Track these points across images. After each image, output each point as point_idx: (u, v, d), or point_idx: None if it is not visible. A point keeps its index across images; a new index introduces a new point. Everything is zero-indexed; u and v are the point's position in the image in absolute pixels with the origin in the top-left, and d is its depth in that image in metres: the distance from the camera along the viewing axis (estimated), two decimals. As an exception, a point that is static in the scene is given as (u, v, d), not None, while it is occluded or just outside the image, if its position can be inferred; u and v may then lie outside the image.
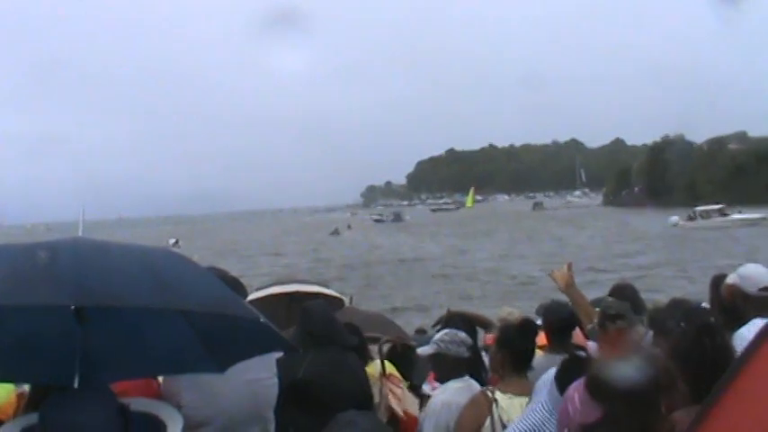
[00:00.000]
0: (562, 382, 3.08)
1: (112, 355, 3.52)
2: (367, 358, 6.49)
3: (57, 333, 3.39)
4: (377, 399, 6.10)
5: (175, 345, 3.71)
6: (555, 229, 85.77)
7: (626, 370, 2.11)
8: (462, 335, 5.68)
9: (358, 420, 2.59)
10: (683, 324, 5.75)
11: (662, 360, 2.48)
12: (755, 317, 6.03)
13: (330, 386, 5.23)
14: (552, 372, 3.84)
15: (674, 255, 51.70)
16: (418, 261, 56.28)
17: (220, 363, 3.83)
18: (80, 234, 7.31)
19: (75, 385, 3.19)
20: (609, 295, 7.52)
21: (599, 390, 2.13)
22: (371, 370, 6.36)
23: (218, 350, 3.74)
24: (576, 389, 2.16)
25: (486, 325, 7.97)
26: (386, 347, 6.84)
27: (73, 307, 3.04)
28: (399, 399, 6.18)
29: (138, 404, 3.21)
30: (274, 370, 4.97)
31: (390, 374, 6.39)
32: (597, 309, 6.87)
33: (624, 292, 7.46)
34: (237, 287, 5.24)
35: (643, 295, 8.20)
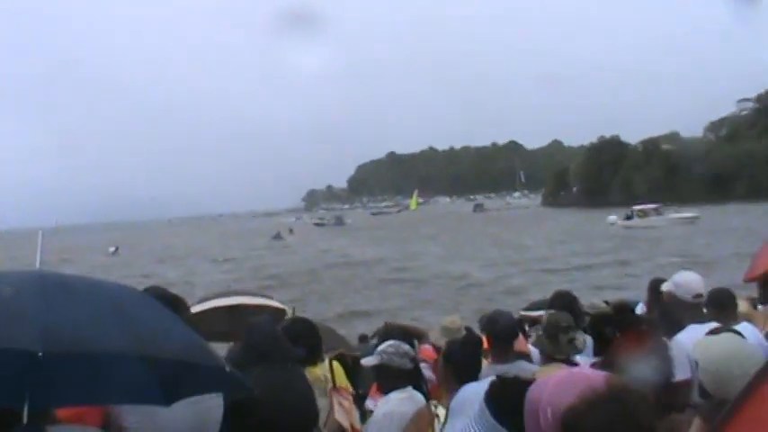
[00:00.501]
0: (494, 405, 2.99)
1: (63, 382, 3.38)
2: (318, 360, 6.53)
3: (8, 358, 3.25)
4: (325, 409, 6.18)
5: (126, 376, 3.63)
6: (498, 231, 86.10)
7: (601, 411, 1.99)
8: (406, 347, 5.72)
9: None
10: (617, 334, 5.96)
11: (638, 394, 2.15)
12: (691, 323, 6.25)
13: (276, 404, 5.24)
14: (468, 392, 3.92)
15: (618, 254, 52.12)
16: (363, 266, 55.73)
17: (169, 396, 3.77)
18: (38, 265, 7.15)
19: (25, 409, 3.11)
20: (550, 304, 7.68)
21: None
22: (320, 371, 6.42)
23: (170, 384, 3.70)
24: (549, 402, 2.04)
25: (420, 336, 8.05)
26: (334, 359, 6.89)
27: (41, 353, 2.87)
28: (347, 411, 6.21)
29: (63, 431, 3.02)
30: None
31: (339, 387, 6.43)
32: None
33: (564, 300, 7.63)
34: (179, 305, 5.23)
35: (589, 294, 8.44)
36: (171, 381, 3.66)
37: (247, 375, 5.16)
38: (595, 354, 6.20)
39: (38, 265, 7.19)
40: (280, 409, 5.27)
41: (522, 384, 3.30)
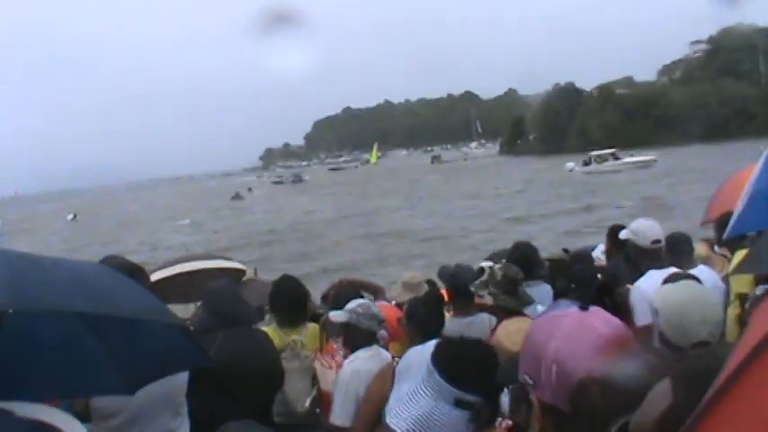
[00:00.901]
0: (441, 364, 2.97)
1: (19, 374, 3.36)
2: (300, 323, 6.55)
3: None
4: (294, 371, 6.22)
5: (85, 366, 3.66)
6: (458, 182, 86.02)
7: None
8: (375, 309, 5.75)
9: None
10: (573, 286, 6.03)
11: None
12: (651, 268, 6.34)
13: (241, 367, 5.27)
14: (413, 354, 3.91)
15: (578, 200, 52.39)
16: (325, 223, 55.17)
17: (131, 384, 3.77)
18: None
19: None
20: (510, 254, 7.72)
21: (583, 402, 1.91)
22: (296, 335, 6.48)
23: (130, 370, 3.70)
24: (555, 359, 1.93)
25: (377, 292, 8.09)
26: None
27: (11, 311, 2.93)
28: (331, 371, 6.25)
29: (25, 409, 2.87)
30: None
31: (326, 347, 6.47)
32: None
33: (524, 251, 7.67)
34: (138, 273, 5.27)
35: (553, 242, 8.49)
36: (126, 363, 3.65)
37: (210, 339, 5.18)
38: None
39: None
40: (244, 372, 5.31)
41: (470, 344, 3.35)
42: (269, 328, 6.43)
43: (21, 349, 3.37)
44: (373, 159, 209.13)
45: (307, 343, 6.44)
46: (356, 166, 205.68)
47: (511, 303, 5.88)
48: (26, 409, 2.84)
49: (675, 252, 6.67)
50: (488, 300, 6.11)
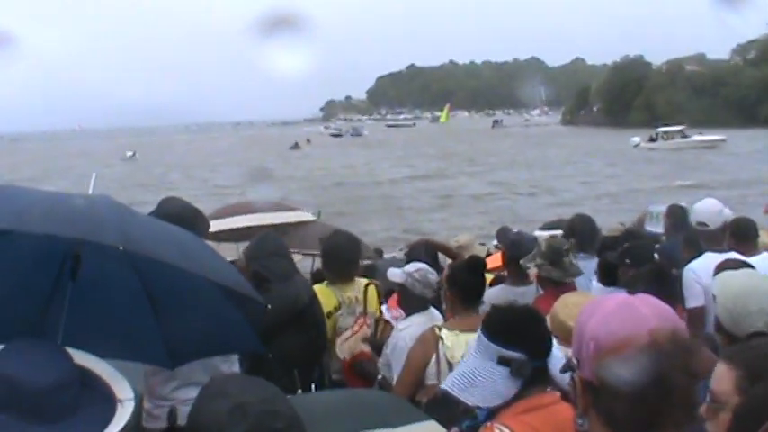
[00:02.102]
0: (486, 326, 3.20)
1: (83, 325, 3.38)
2: (351, 279, 6.55)
3: (41, 287, 3.41)
4: (348, 328, 6.26)
5: (136, 332, 3.72)
6: (520, 149, 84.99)
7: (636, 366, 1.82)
8: (432, 276, 5.71)
9: (230, 389, 2.19)
10: (627, 261, 5.96)
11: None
12: (708, 251, 6.25)
13: (282, 318, 5.28)
14: None
15: (645, 175, 51.52)
16: (382, 184, 54.22)
17: (174, 359, 3.86)
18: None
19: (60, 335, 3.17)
20: (568, 226, 7.66)
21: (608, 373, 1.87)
22: (351, 293, 6.49)
23: (176, 345, 3.76)
24: (593, 335, 1.91)
25: (454, 258, 8.02)
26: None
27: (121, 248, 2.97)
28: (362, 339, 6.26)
29: (80, 357, 2.95)
30: None
31: (369, 312, 6.46)
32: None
33: (582, 223, 7.59)
34: (197, 217, 5.29)
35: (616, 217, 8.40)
36: (175, 339, 3.72)
37: (291, 286, 5.24)
38: (600, 278, 6.23)
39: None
40: (286, 321, 5.34)
41: (515, 308, 3.41)
42: (320, 286, 6.40)
43: (86, 301, 3.42)
44: (444, 119, 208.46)
45: (362, 299, 6.41)
46: (413, 124, 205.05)
47: (555, 274, 5.83)
48: (82, 357, 2.93)
49: (739, 237, 6.56)
50: (534, 271, 6.06)
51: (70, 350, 2.88)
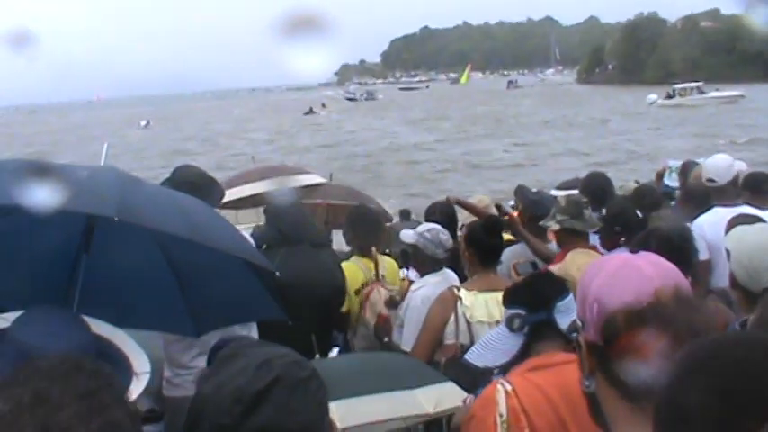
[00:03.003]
0: (507, 298, 3.31)
1: (101, 296, 3.42)
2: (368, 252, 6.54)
3: (60, 258, 3.42)
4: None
5: (160, 302, 3.74)
6: (537, 110, 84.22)
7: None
8: (444, 236, 5.72)
9: (248, 351, 2.24)
10: (617, 229, 5.94)
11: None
12: (716, 205, 6.23)
13: (299, 285, 5.25)
14: None
15: (663, 133, 51.26)
16: (399, 150, 52.84)
17: (199, 327, 3.85)
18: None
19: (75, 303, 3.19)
20: (583, 184, 7.63)
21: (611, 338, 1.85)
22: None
23: (201, 314, 3.77)
24: (597, 296, 1.90)
25: (482, 216, 7.98)
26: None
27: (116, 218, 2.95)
28: (377, 303, 6.26)
29: (100, 327, 2.99)
30: None
31: (381, 278, 6.47)
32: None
33: (597, 181, 7.56)
34: (211, 185, 5.31)
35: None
36: (198, 306, 3.73)
37: (272, 256, 5.22)
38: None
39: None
40: (306, 288, 5.34)
41: (528, 276, 3.48)
42: (347, 263, 6.36)
43: (103, 272, 3.43)
44: (464, 80, 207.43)
45: (387, 276, 6.42)
46: (427, 87, 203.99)
47: (578, 225, 5.82)
48: (100, 326, 2.96)
49: (753, 190, 6.54)
50: (555, 227, 6.03)
51: (88, 319, 2.90)
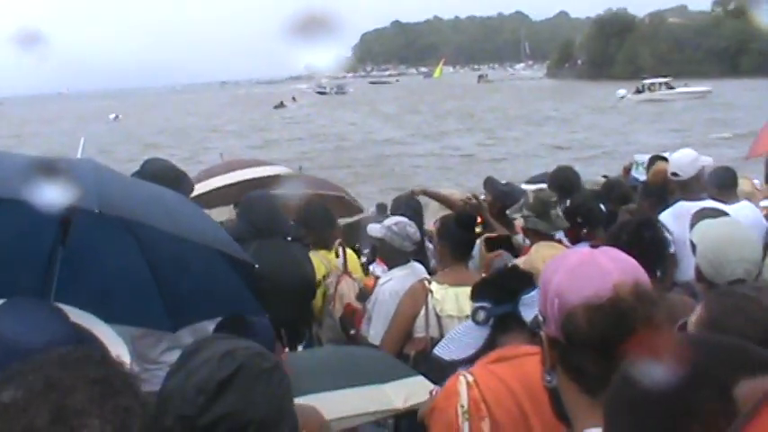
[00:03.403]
0: (474, 292, 3.34)
1: (76, 291, 3.34)
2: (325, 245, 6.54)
3: (36, 251, 3.38)
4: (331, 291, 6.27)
5: (136, 296, 3.70)
6: (509, 104, 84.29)
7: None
8: (411, 230, 5.76)
9: (215, 345, 2.24)
10: (579, 220, 5.99)
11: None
12: (681, 199, 6.30)
13: (272, 279, 5.24)
14: None
15: (635, 128, 51.41)
16: (385, 144, 52.38)
17: (175, 322, 3.83)
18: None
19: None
20: (551, 179, 7.66)
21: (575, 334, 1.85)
22: (332, 256, 6.55)
23: (177, 309, 3.74)
24: (557, 292, 1.89)
25: (452, 206, 7.97)
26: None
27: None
28: (347, 296, 6.27)
29: (76, 314, 2.88)
30: None
31: (349, 272, 6.47)
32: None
33: (565, 175, 7.60)
34: (181, 178, 5.27)
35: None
36: (175, 300, 3.69)
37: (244, 249, 5.20)
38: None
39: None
40: (274, 283, 5.33)
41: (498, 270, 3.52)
42: (313, 253, 6.36)
43: (79, 266, 3.41)
44: (437, 74, 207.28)
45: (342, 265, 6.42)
46: (397, 80, 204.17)
47: (541, 226, 5.82)
48: (80, 316, 2.87)
49: (719, 185, 6.62)
50: (521, 222, 6.07)
51: (66, 308, 2.87)
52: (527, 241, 6.22)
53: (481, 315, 3.18)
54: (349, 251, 6.76)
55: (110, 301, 3.63)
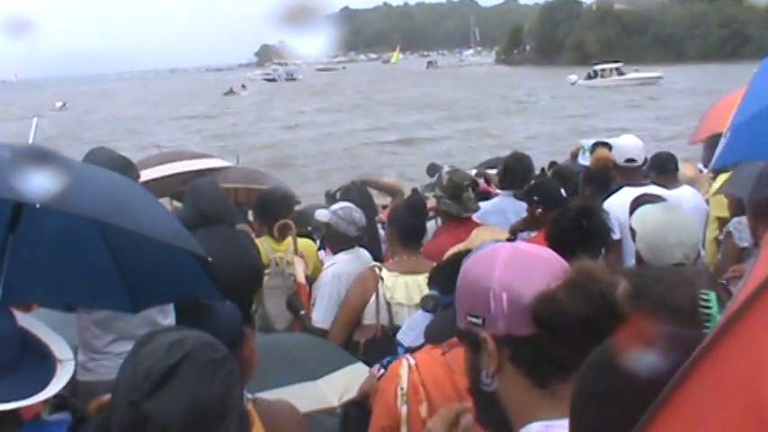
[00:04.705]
0: (429, 280, 3.45)
1: (30, 276, 3.35)
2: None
3: None
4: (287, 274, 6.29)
5: (95, 278, 3.65)
6: (458, 91, 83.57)
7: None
8: (357, 215, 5.79)
9: (167, 333, 2.30)
10: (535, 198, 6.08)
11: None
12: (626, 185, 6.40)
13: (219, 266, 5.23)
14: None
15: (588, 112, 51.90)
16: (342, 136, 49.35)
17: (136, 303, 3.76)
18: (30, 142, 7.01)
19: None
20: (503, 164, 7.70)
21: (546, 320, 1.78)
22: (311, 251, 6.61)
23: (137, 290, 3.69)
24: (504, 286, 1.84)
25: (394, 193, 7.98)
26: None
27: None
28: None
29: (20, 318, 2.83)
30: None
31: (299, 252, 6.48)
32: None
33: (515, 160, 7.65)
34: (128, 168, 5.17)
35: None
36: (135, 282, 3.66)
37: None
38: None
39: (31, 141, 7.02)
40: (221, 270, 5.31)
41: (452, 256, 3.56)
42: (259, 240, 6.38)
43: (32, 251, 3.37)
44: (394, 60, 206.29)
45: (292, 260, 6.37)
46: (344, 67, 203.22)
47: (453, 208, 5.87)
48: (18, 317, 2.82)
49: (659, 170, 6.72)
50: (432, 203, 6.08)
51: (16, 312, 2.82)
52: (439, 222, 6.31)
53: (430, 304, 3.24)
54: (307, 240, 6.76)
55: (67, 284, 3.64)
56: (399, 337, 3.44)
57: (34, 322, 2.89)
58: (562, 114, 52.48)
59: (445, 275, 3.24)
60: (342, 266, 5.62)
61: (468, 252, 2.34)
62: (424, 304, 3.28)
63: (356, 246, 5.87)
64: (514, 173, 7.11)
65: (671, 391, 1.14)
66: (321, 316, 5.52)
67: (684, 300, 2.21)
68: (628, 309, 1.73)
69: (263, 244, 6.32)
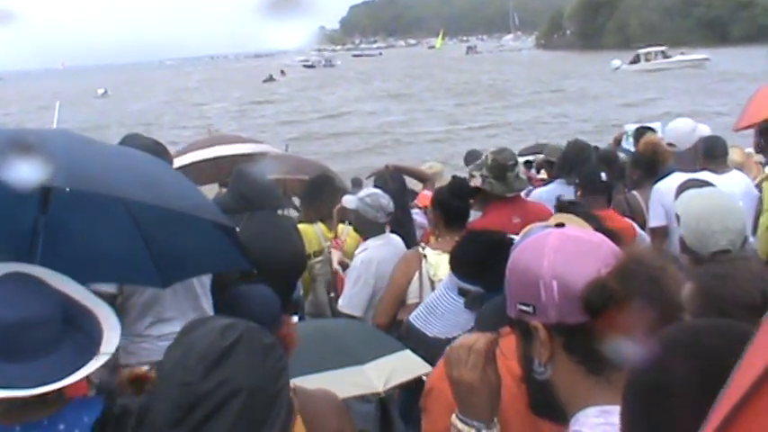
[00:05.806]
0: (453, 255, 3.31)
1: (63, 255, 3.28)
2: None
3: (20, 219, 3.34)
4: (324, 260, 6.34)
5: (124, 254, 3.69)
6: (497, 76, 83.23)
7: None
8: (384, 200, 5.83)
9: (212, 320, 2.39)
10: (577, 181, 6.05)
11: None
12: (677, 170, 6.31)
13: (263, 251, 5.22)
14: None
15: (637, 99, 50.51)
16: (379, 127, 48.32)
17: (165, 278, 3.81)
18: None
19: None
20: (566, 149, 7.73)
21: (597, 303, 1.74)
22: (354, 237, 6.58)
23: (166, 265, 3.73)
24: (554, 274, 1.81)
25: (425, 180, 8.10)
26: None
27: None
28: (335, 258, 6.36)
29: (57, 281, 2.79)
30: None
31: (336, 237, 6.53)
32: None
33: (576, 148, 7.65)
34: (162, 154, 5.18)
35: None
36: (163, 257, 3.69)
37: (235, 221, 5.21)
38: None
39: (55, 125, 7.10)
40: (265, 256, 5.33)
41: (484, 236, 3.42)
42: (305, 226, 6.43)
43: (63, 230, 3.40)
44: (438, 45, 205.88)
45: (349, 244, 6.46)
46: (380, 53, 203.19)
47: (497, 188, 5.84)
48: (75, 289, 2.83)
49: (709, 156, 6.62)
50: (478, 182, 6.03)
51: (56, 278, 2.79)
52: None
53: (476, 302, 3.05)
54: (351, 228, 6.74)
55: (97, 261, 3.65)
56: (415, 322, 3.23)
57: (77, 287, 2.86)
58: (613, 103, 50.80)
59: (488, 270, 3.00)
60: (372, 252, 5.67)
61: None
62: (470, 302, 3.08)
63: (386, 231, 5.90)
64: (573, 162, 7.11)
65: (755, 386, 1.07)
66: (347, 302, 5.59)
67: (757, 297, 2.17)
68: (695, 311, 1.69)
69: (317, 231, 6.36)
